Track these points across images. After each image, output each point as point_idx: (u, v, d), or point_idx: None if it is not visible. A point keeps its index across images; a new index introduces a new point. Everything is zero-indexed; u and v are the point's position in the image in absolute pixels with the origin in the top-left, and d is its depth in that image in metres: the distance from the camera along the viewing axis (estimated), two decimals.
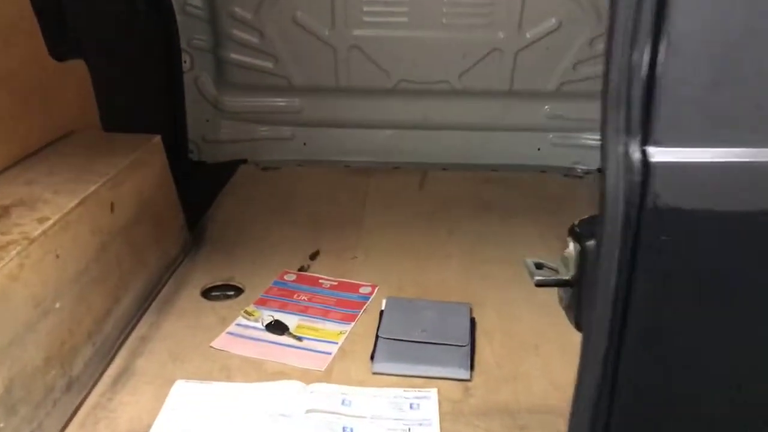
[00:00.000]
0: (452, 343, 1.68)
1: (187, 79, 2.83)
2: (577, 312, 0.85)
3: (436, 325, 1.75)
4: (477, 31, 2.71)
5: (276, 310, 1.84)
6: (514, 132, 2.89)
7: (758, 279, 0.77)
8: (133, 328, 1.73)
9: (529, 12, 2.65)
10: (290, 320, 1.80)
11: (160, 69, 2.65)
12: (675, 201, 0.73)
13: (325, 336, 1.73)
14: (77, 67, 1.94)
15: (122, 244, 1.71)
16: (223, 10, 2.71)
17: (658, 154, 0.73)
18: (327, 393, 1.52)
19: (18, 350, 1.26)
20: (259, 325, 1.77)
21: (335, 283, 1.99)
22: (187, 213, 2.22)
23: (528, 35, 2.70)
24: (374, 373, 1.60)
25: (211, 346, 1.69)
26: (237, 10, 2.71)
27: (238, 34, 2.77)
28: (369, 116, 2.90)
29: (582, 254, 0.82)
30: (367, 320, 1.82)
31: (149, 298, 1.84)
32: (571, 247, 0.85)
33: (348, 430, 1.41)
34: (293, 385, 1.54)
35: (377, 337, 1.71)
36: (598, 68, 2.72)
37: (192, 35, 2.77)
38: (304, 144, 2.97)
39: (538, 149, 2.93)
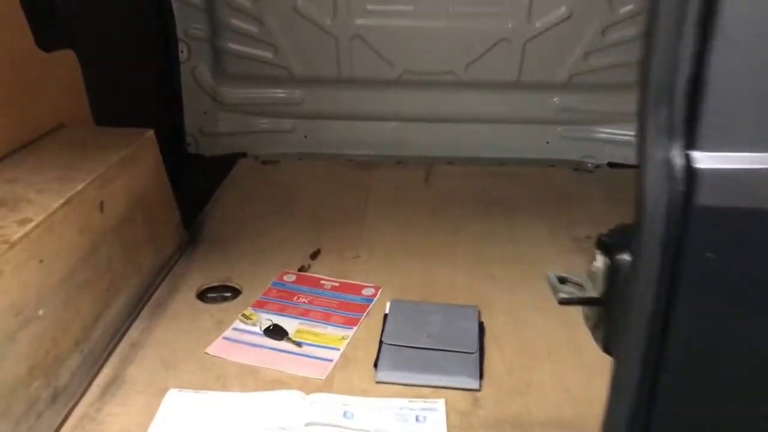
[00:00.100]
0: (460, 350, 1.59)
1: (184, 69, 2.74)
2: (607, 333, 0.76)
3: (442, 331, 1.66)
4: (484, 20, 2.61)
5: (275, 314, 1.76)
6: (522, 125, 2.80)
7: None
8: (124, 334, 1.65)
9: (539, 0, 2.55)
10: (289, 324, 1.71)
11: (155, 59, 2.56)
12: (723, 213, 0.64)
13: (326, 341, 1.65)
14: (66, 58, 1.85)
15: (113, 244, 1.62)
16: None
17: (705, 160, 0.64)
18: (327, 404, 1.44)
19: None
20: (257, 329, 1.69)
21: (337, 285, 1.90)
22: (184, 209, 2.13)
23: (537, 24, 2.60)
24: (378, 382, 1.51)
25: (207, 353, 1.61)
26: None
27: (237, 23, 2.67)
28: (372, 108, 2.80)
29: (612, 269, 0.73)
30: (370, 324, 1.73)
31: (142, 301, 1.76)
32: (600, 260, 0.76)
33: None
34: (292, 396, 1.45)
35: (381, 343, 1.62)
36: (610, 59, 2.67)
37: (189, 24, 2.68)
38: (305, 137, 2.88)
39: (547, 143, 2.83)
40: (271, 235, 2.18)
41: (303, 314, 1.76)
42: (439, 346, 1.61)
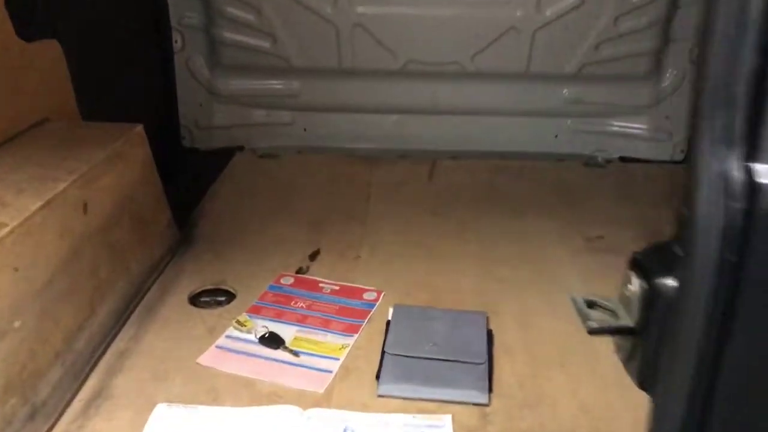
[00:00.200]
0: (468, 360, 1.50)
1: (178, 60, 2.63)
2: (643, 367, 0.66)
3: (449, 339, 1.56)
4: (492, 8, 2.50)
5: (271, 320, 1.66)
6: (530, 117, 2.70)
7: None
8: (110, 343, 1.55)
9: None
10: (286, 331, 1.62)
11: (147, 49, 2.45)
12: None
13: (325, 351, 1.55)
14: (49, 48, 1.74)
15: (98, 248, 1.53)
16: None
17: None
18: (326, 420, 1.34)
19: None
20: (251, 337, 1.59)
21: (337, 288, 1.80)
22: (177, 206, 2.04)
23: (547, 13, 2.49)
24: (380, 396, 1.42)
25: (198, 363, 1.51)
26: None
27: (233, 11, 2.56)
28: (374, 100, 2.70)
29: (651, 295, 0.63)
30: (371, 331, 1.63)
31: (130, 307, 1.66)
32: (635, 284, 0.65)
33: None
34: (288, 411, 1.36)
35: (383, 352, 1.53)
36: (623, 48, 2.55)
37: (183, 12, 2.57)
38: (304, 129, 2.78)
39: (556, 136, 2.73)
40: (268, 234, 2.08)
41: (301, 320, 1.67)
42: (446, 356, 1.51)
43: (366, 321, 1.67)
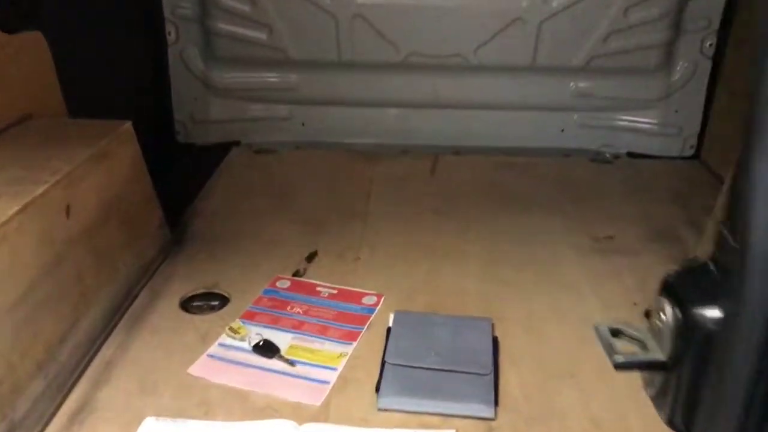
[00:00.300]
0: (472, 371, 1.42)
1: (172, 52, 2.55)
2: (675, 406, 0.58)
3: (452, 348, 1.49)
4: None
5: (266, 326, 1.58)
6: (536, 111, 2.62)
7: None
8: (97, 351, 1.48)
9: None
10: (282, 339, 1.54)
11: (139, 41, 2.36)
12: None
13: (323, 360, 1.48)
14: (32, 41, 1.65)
15: (83, 253, 1.45)
16: None
17: None
18: None
19: None
20: (245, 345, 1.52)
21: (335, 292, 1.73)
22: (171, 204, 1.96)
23: (554, 3, 2.40)
24: (380, 410, 1.34)
25: (189, 373, 1.44)
26: None
27: (228, 1, 2.48)
28: (374, 94, 2.61)
29: (687, 326, 0.55)
30: (371, 339, 1.56)
31: (118, 313, 1.59)
32: (668, 312, 0.58)
33: None
34: (283, 426, 1.28)
35: (383, 362, 1.45)
36: (633, 40, 2.46)
37: (176, 3, 2.49)
38: (303, 124, 2.69)
39: (562, 130, 2.64)
40: (264, 234, 2.01)
41: (297, 327, 1.59)
42: (449, 366, 1.43)
43: (365, 327, 1.59)
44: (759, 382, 0.49)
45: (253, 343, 1.51)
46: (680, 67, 2.49)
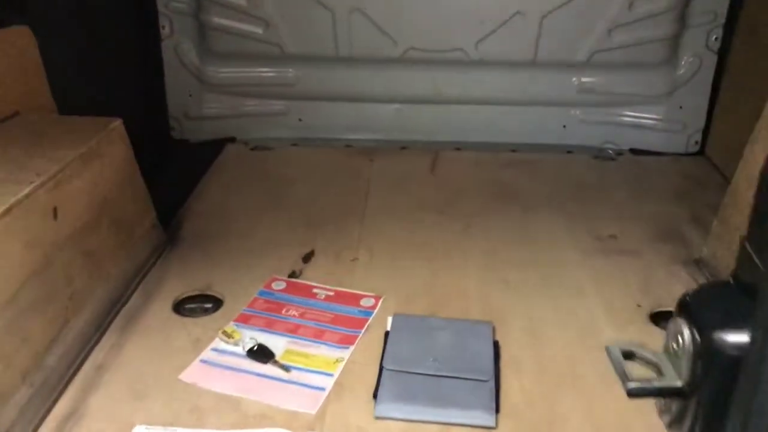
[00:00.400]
0: (472, 377, 1.38)
1: (166, 47, 2.50)
2: None
3: (452, 352, 1.45)
4: None
5: (260, 330, 1.54)
6: (537, 107, 2.57)
7: None
8: (87, 356, 1.44)
9: None
10: (277, 343, 1.50)
11: (132, 35, 2.31)
12: None
13: (318, 365, 1.44)
14: (19, 35, 1.61)
15: (73, 255, 1.41)
16: None
17: None
18: None
19: None
20: (239, 349, 1.48)
21: (332, 294, 1.68)
22: (164, 203, 1.92)
23: None
24: (377, 418, 1.30)
25: (180, 379, 1.40)
26: None
27: None
28: (373, 89, 2.56)
29: (708, 351, 0.51)
30: (368, 343, 1.52)
31: (110, 316, 1.54)
32: (686, 335, 0.53)
33: None
34: None
35: (381, 368, 1.41)
36: (638, 34, 2.40)
37: None
38: (300, 120, 2.65)
39: (564, 127, 2.60)
40: (259, 234, 1.96)
41: (292, 330, 1.55)
42: (448, 372, 1.39)
43: (363, 331, 1.55)
44: None
45: (247, 348, 1.47)
46: (685, 62, 2.44)
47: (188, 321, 1.59)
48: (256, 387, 1.38)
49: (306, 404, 1.33)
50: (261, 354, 1.46)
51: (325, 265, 1.82)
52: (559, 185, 2.32)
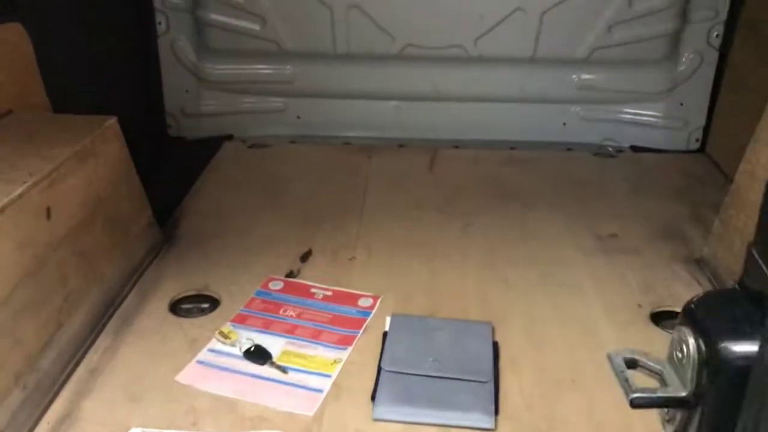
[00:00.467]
0: (471, 378, 1.37)
1: (163, 43, 2.47)
2: None
3: (451, 353, 1.43)
4: None
5: (257, 330, 1.53)
6: (537, 104, 2.55)
7: None
8: (82, 357, 1.42)
9: None
10: (274, 344, 1.49)
11: (128, 32, 2.29)
12: None
13: (316, 366, 1.42)
14: (12, 32, 1.59)
15: (66, 256, 1.39)
16: None
17: None
18: None
19: None
20: (236, 350, 1.46)
21: (329, 294, 1.67)
22: (161, 201, 1.91)
23: None
24: (375, 420, 1.29)
25: (177, 381, 1.38)
26: None
27: None
28: (371, 86, 2.55)
29: (714, 361, 0.50)
30: (367, 343, 1.50)
31: (105, 317, 1.53)
32: (691, 344, 0.52)
33: None
34: None
35: (379, 369, 1.40)
36: (638, 31, 2.37)
37: None
38: (298, 117, 2.63)
39: (564, 124, 2.58)
40: (256, 233, 1.95)
41: (290, 331, 1.53)
42: (447, 373, 1.38)
43: (361, 331, 1.54)
44: None
45: (244, 349, 1.46)
46: (686, 59, 2.42)
47: (185, 321, 1.57)
48: (253, 388, 1.36)
49: (303, 406, 1.32)
50: (258, 355, 1.44)
51: (322, 264, 1.81)
52: (559, 183, 2.30)
